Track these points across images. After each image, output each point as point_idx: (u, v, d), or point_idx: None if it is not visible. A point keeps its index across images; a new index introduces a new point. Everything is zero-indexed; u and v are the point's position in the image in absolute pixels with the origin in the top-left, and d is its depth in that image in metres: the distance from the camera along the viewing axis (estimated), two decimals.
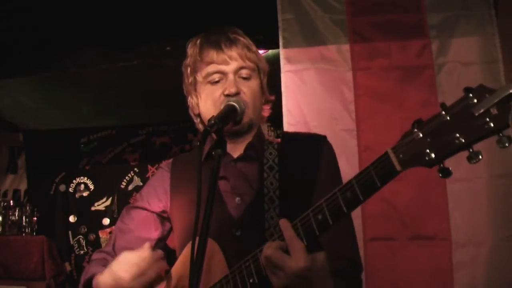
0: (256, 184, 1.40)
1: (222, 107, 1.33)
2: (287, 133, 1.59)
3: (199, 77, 1.46)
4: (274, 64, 2.83)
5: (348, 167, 2.57)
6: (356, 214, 2.47)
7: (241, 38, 1.46)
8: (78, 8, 3.26)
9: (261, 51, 3.42)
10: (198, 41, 1.48)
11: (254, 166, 1.44)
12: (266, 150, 1.46)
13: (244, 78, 1.43)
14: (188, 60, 1.50)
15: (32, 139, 5.00)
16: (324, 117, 2.68)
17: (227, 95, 1.38)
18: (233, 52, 1.42)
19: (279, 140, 1.52)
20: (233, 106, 1.32)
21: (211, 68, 1.42)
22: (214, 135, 1.24)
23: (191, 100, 1.52)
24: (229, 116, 1.29)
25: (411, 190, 2.48)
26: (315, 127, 2.67)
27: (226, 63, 1.41)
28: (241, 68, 1.42)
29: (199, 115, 1.51)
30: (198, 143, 1.17)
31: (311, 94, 2.71)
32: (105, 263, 1.42)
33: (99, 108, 4.53)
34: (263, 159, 1.44)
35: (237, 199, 1.39)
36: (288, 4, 2.82)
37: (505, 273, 2.40)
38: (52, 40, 3.36)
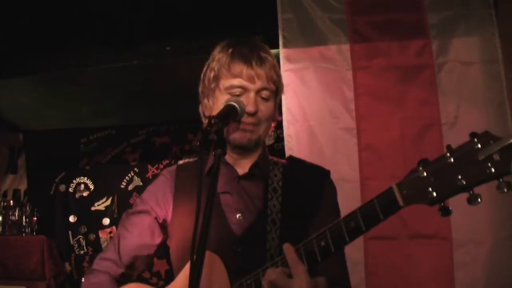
0: (259, 203, 1.42)
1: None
2: (293, 158, 1.60)
3: (221, 85, 1.44)
4: None
5: (348, 166, 2.58)
6: None
7: (270, 58, 1.46)
8: (78, 8, 3.26)
9: None
10: (230, 50, 1.45)
11: (258, 186, 1.46)
12: (272, 171, 1.48)
13: (263, 99, 1.43)
14: (214, 64, 1.47)
15: (32, 139, 4.99)
16: (324, 116, 2.68)
17: (248, 113, 1.38)
18: (262, 72, 1.41)
19: (284, 161, 1.54)
20: (233, 106, 1.32)
21: (236, 81, 1.41)
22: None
23: (207, 103, 1.50)
24: (229, 116, 1.29)
25: None
26: (315, 126, 2.67)
27: (252, 81, 1.40)
28: (264, 89, 1.42)
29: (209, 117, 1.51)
30: (198, 143, 1.17)
31: (311, 93, 2.71)
32: (109, 282, 1.43)
33: (99, 108, 4.53)
34: (268, 179, 1.46)
35: (238, 215, 1.40)
36: (288, 3, 2.82)
37: (506, 272, 2.41)
38: (52, 40, 3.36)
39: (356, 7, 2.78)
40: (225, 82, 1.43)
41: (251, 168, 1.47)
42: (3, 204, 4.20)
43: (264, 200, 1.41)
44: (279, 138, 4.11)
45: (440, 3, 2.72)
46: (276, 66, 1.48)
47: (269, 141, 4.20)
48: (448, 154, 0.92)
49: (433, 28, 2.70)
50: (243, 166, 1.48)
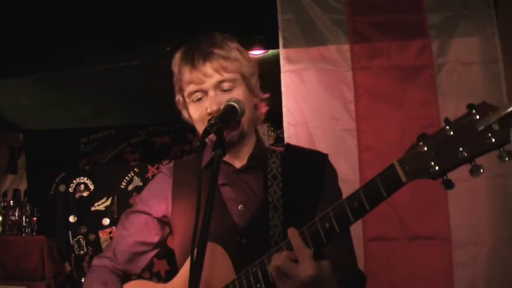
0: (260, 192, 1.42)
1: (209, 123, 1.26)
2: (291, 145, 1.61)
3: (185, 96, 1.45)
4: (274, 64, 2.84)
5: (348, 167, 2.58)
6: None
7: (216, 50, 1.39)
8: (78, 8, 3.26)
9: (261, 51, 3.43)
10: (177, 58, 1.47)
11: (257, 176, 1.45)
12: (270, 158, 1.47)
13: (226, 91, 1.39)
14: (174, 78, 1.50)
15: (32, 139, 5.00)
16: (324, 117, 2.68)
17: (210, 114, 1.35)
18: (207, 68, 1.37)
19: (281, 149, 1.53)
20: (233, 106, 1.32)
21: (191, 87, 1.41)
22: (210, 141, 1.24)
23: (184, 115, 1.53)
24: (229, 116, 1.29)
25: (411, 190, 2.48)
26: (315, 127, 2.67)
27: (202, 81, 1.38)
28: (220, 82, 1.38)
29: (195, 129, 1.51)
30: (198, 143, 1.17)
31: (311, 94, 2.71)
32: (104, 276, 1.45)
33: (99, 108, 4.54)
34: (266, 167, 1.45)
35: (240, 206, 1.40)
36: (288, 4, 2.82)
37: (506, 272, 2.41)
38: (52, 40, 3.36)
39: (356, 8, 2.78)
40: (185, 92, 1.44)
41: (248, 160, 1.47)
42: (3, 204, 4.20)
43: (265, 188, 1.41)
44: (279, 139, 4.12)
45: (440, 3, 2.72)
46: (229, 52, 1.41)
47: (269, 141, 4.20)
48: (447, 127, 0.92)
49: (433, 28, 2.70)
50: (240, 159, 1.48)
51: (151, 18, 3.26)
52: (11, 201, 4.34)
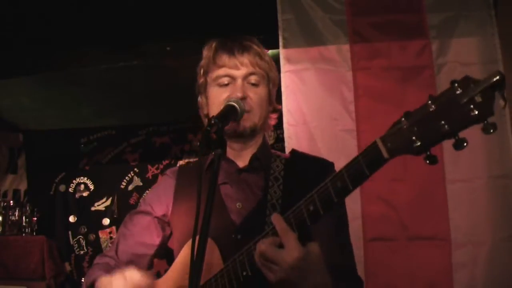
0: (259, 192, 1.44)
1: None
2: (296, 151, 1.62)
3: (210, 79, 1.50)
4: None
5: None
6: (356, 215, 2.48)
7: (255, 46, 1.50)
8: (78, 8, 3.26)
9: None
10: (214, 45, 1.52)
11: (259, 176, 1.48)
12: (273, 162, 1.50)
13: (253, 84, 1.46)
14: (202, 62, 1.55)
15: (32, 139, 4.99)
16: (324, 117, 2.68)
17: (228, 101, 1.39)
18: (245, 58, 1.46)
19: (287, 155, 1.56)
20: (233, 106, 1.33)
21: (222, 71, 1.47)
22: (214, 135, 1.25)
23: (201, 100, 1.58)
24: (229, 115, 1.30)
25: (411, 191, 2.49)
26: (315, 128, 2.67)
27: (236, 68, 1.45)
28: (251, 74, 1.46)
29: (207, 116, 1.55)
30: (198, 143, 1.18)
31: (311, 94, 2.71)
32: (107, 268, 1.45)
33: (99, 108, 4.53)
34: (269, 170, 1.47)
35: (238, 204, 1.42)
36: (288, 4, 2.82)
37: (505, 273, 2.41)
38: (52, 40, 3.36)
39: (356, 8, 2.78)
40: (213, 74, 1.49)
41: (251, 161, 1.49)
42: (3, 204, 4.20)
43: (265, 188, 1.43)
44: (279, 139, 4.11)
45: (440, 4, 2.72)
46: (263, 54, 1.51)
47: (269, 141, 4.20)
48: (430, 102, 0.91)
49: (433, 28, 2.70)
50: (243, 159, 1.50)
51: (151, 18, 3.26)
52: (11, 201, 4.34)
